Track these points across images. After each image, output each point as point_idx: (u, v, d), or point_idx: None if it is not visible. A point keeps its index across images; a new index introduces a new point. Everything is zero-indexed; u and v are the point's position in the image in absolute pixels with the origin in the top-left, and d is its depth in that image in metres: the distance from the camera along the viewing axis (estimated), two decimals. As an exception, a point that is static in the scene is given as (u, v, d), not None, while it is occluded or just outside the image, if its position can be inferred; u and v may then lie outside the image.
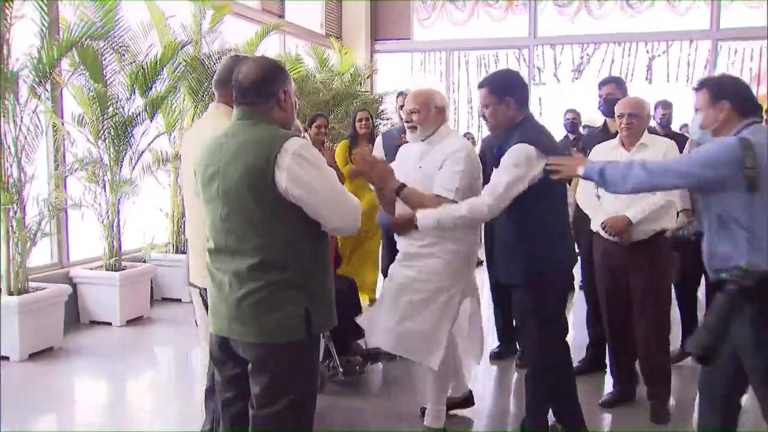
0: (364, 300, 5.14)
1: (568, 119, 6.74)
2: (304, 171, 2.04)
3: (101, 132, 5.25)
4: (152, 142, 5.78)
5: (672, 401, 3.66)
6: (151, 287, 5.89)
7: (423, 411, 3.42)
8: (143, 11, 5.95)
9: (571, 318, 4.92)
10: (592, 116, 6.70)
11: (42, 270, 5.24)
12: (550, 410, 3.20)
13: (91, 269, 5.48)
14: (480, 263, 3.75)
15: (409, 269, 3.11)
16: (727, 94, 2.43)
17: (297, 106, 2.31)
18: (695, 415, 2.86)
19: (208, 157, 2.17)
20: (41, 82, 4.64)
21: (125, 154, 5.41)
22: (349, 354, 4.05)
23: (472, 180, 3.03)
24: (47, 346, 4.69)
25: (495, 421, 3.72)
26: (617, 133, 3.66)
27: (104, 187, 5.36)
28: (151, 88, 5.53)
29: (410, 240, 3.10)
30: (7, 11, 4.43)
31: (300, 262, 2.10)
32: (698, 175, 2.36)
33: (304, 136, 2.55)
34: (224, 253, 2.15)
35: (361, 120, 5.51)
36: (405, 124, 3.19)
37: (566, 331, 3.17)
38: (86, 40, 4.79)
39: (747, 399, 2.68)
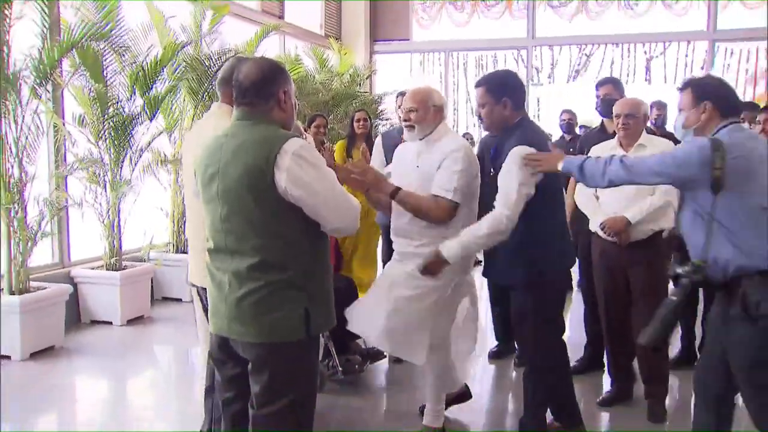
0: (363, 300, 5.14)
1: (564, 120, 6.74)
2: (303, 171, 2.04)
3: (102, 132, 5.27)
4: (152, 141, 5.80)
5: (669, 400, 3.68)
6: (152, 287, 5.91)
7: (422, 410, 3.43)
8: (143, 12, 5.96)
9: (568, 317, 4.95)
10: (590, 117, 6.70)
11: (43, 269, 5.26)
12: (549, 409, 3.22)
13: (92, 269, 5.50)
14: (478, 263, 3.76)
15: (404, 267, 3.08)
16: (709, 95, 2.46)
17: (297, 107, 2.31)
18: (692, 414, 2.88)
19: (208, 157, 2.18)
20: (42, 82, 4.66)
21: (126, 154, 5.43)
22: (349, 353, 4.07)
23: (470, 179, 3.02)
24: (48, 346, 4.71)
25: (493, 420, 3.74)
26: (614, 133, 3.67)
27: (105, 186, 5.38)
28: (152, 88, 5.54)
29: (406, 240, 3.09)
30: (7, 12, 4.44)
31: (299, 262, 2.11)
32: (672, 174, 2.43)
33: (305, 137, 2.55)
34: (224, 253, 2.15)
35: (359, 120, 5.53)
36: (402, 123, 3.16)
37: (563, 331, 3.19)
38: (87, 40, 4.81)
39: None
